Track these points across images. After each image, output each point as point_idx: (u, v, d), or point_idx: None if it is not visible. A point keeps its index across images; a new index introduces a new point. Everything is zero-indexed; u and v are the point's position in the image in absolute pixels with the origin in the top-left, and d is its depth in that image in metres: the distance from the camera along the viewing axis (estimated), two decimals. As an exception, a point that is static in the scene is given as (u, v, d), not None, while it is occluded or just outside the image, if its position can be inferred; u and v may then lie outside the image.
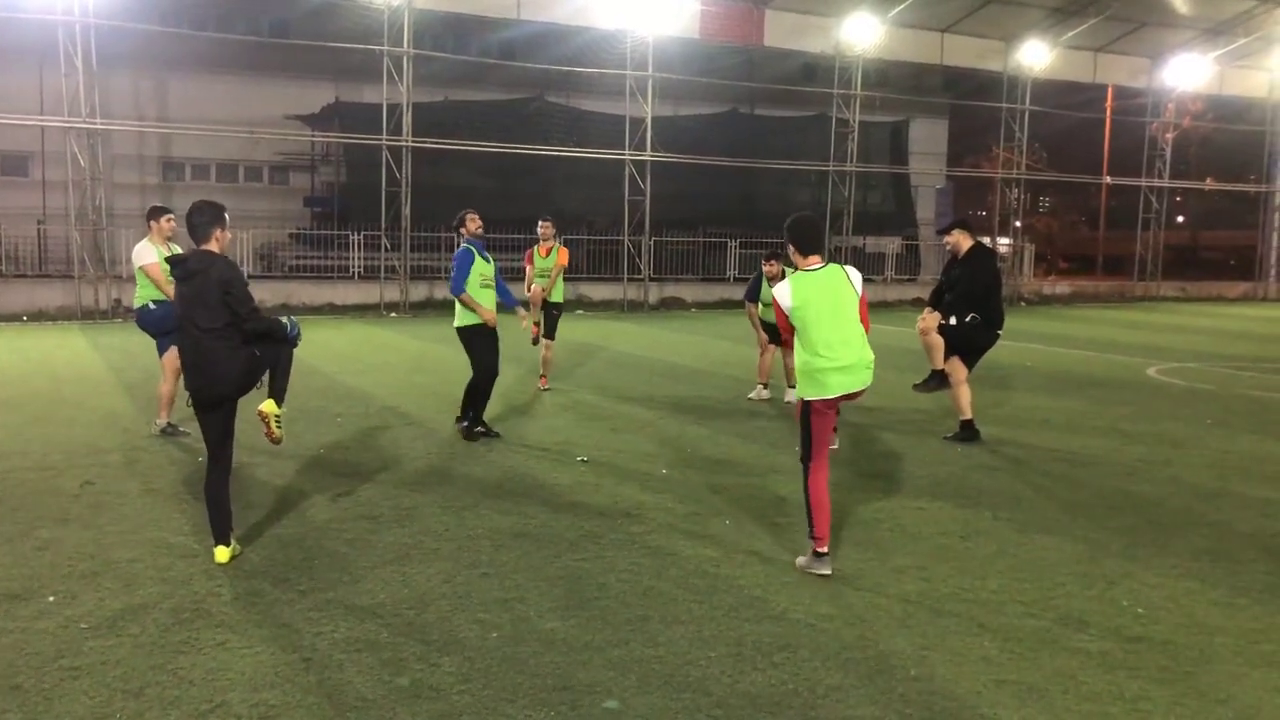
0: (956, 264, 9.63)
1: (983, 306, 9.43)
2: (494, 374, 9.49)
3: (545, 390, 12.14)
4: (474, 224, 9.57)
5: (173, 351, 9.00)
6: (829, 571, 5.78)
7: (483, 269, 9.38)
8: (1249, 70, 34.05)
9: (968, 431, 9.62)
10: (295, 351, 6.18)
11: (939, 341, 9.46)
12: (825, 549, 5.84)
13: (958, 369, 9.64)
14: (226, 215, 6.01)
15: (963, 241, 9.53)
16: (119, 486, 7.49)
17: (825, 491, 5.89)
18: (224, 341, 5.74)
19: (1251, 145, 38.61)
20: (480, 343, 9.42)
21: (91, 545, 6.13)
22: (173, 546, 6.12)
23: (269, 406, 5.98)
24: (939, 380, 9.53)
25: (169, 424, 9.17)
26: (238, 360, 5.78)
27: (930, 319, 9.46)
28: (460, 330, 9.46)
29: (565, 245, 12.64)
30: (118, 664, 4.52)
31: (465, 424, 9.43)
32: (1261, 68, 34.19)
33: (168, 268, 8.85)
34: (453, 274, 9.38)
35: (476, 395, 9.44)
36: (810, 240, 5.97)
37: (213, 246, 5.88)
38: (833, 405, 5.96)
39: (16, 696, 4.22)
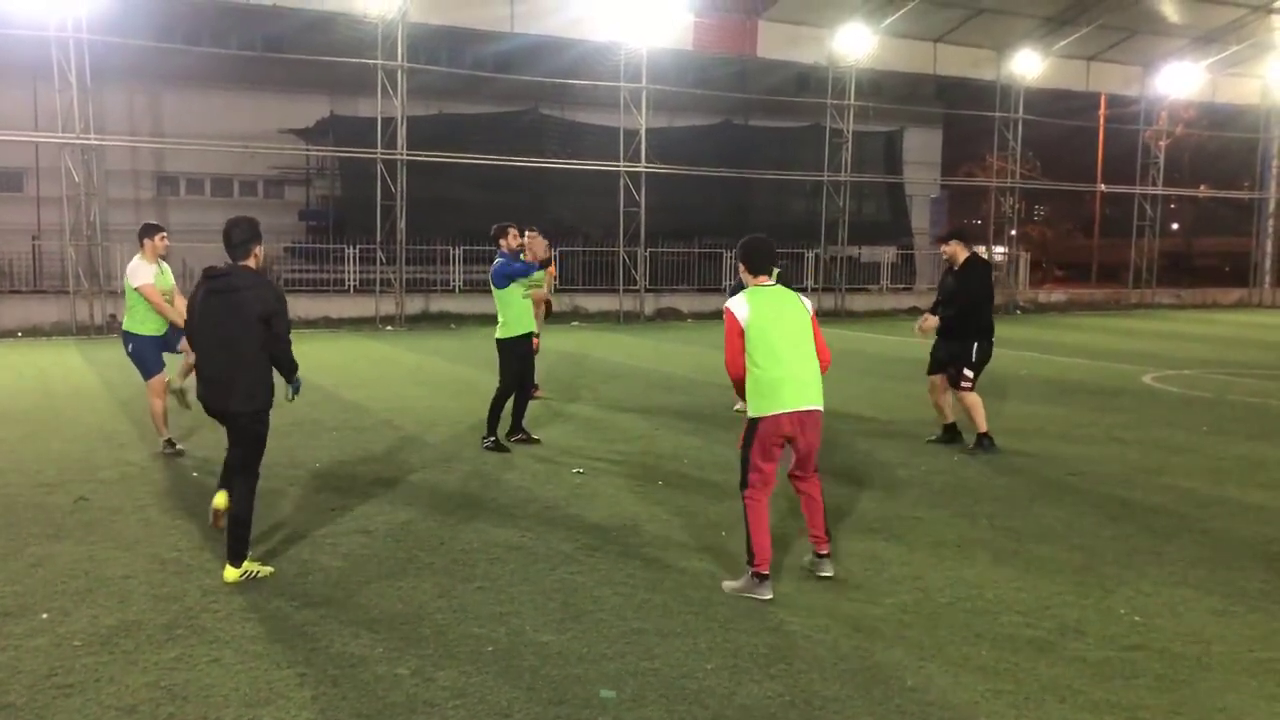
0: (950, 274, 9.72)
1: (972, 318, 9.52)
2: (511, 394, 9.62)
3: (536, 398, 12.12)
4: (514, 240, 9.74)
5: (161, 376, 9.02)
6: (770, 596, 5.58)
7: (523, 289, 9.65)
8: (1241, 78, 34.16)
9: (984, 440, 9.62)
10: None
11: (978, 401, 9.57)
12: (767, 570, 5.66)
13: (940, 382, 9.82)
14: (261, 230, 6.04)
15: (959, 253, 9.60)
16: (113, 502, 7.47)
17: (765, 507, 5.75)
18: (242, 360, 5.76)
19: (1244, 152, 38.74)
20: (518, 357, 9.58)
21: (85, 562, 6.10)
22: (167, 562, 6.10)
23: (230, 574, 5.78)
24: (989, 443, 9.56)
25: (168, 440, 9.10)
26: (252, 375, 5.79)
27: (929, 323, 9.62)
28: (501, 342, 9.59)
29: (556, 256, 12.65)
30: (110, 681, 4.50)
31: (492, 439, 9.45)
32: (1253, 75, 34.28)
33: (167, 287, 8.97)
34: (503, 274, 9.47)
35: (501, 407, 9.53)
36: (761, 261, 5.86)
37: (251, 263, 5.91)
38: (781, 434, 5.66)
39: (9, 715, 4.20)
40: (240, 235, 5.89)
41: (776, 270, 6.00)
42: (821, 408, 5.78)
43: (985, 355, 9.62)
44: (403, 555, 6.29)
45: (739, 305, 5.69)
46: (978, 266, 9.75)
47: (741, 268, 5.93)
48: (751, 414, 5.71)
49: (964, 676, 4.64)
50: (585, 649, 4.89)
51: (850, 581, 5.90)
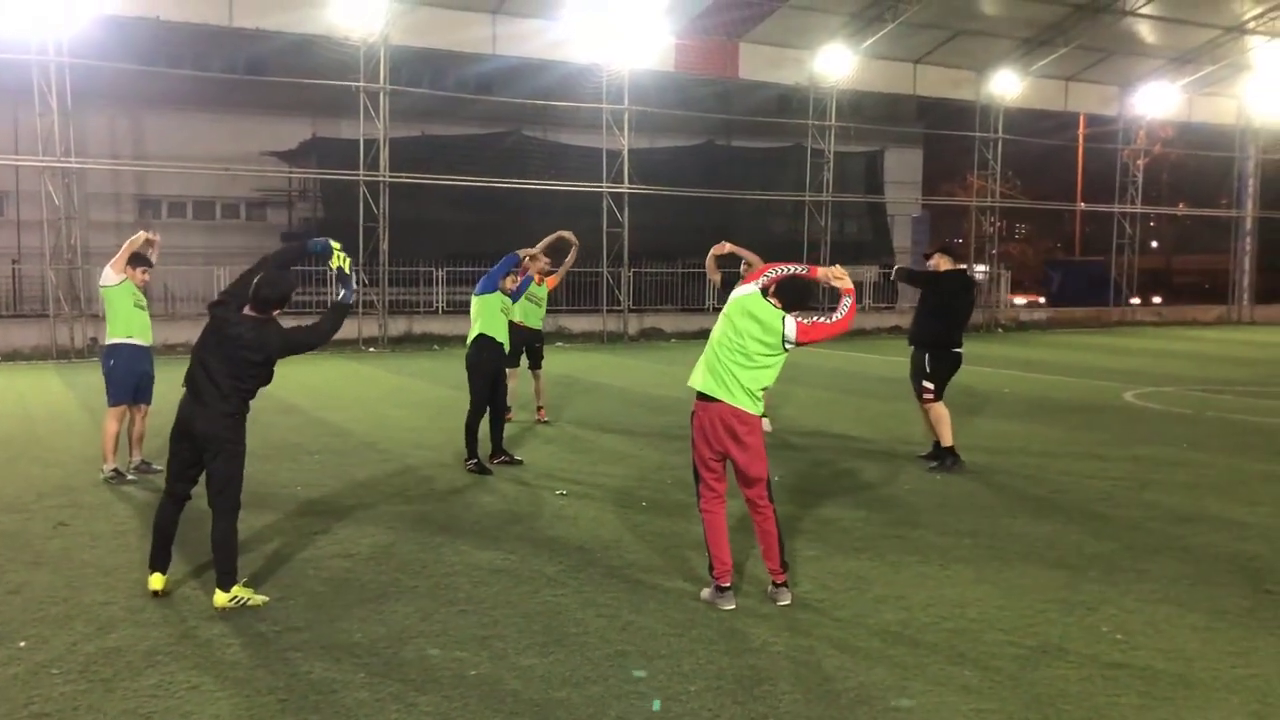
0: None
1: (943, 326, 9.70)
2: (482, 412, 9.59)
3: (544, 422, 12.14)
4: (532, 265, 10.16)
5: (123, 410, 9.00)
6: (733, 606, 5.72)
7: (503, 303, 9.86)
8: (1216, 97, 34.54)
9: (947, 456, 9.68)
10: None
11: (944, 414, 9.63)
12: (728, 582, 5.81)
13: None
14: (290, 297, 6.01)
15: (941, 264, 9.79)
16: (92, 528, 7.41)
17: (719, 519, 5.85)
18: (222, 395, 5.74)
19: (1221, 170, 39.11)
20: (480, 374, 9.56)
21: (64, 588, 6.05)
22: (147, 588, 6.03)
23: (219, 599, 5.71)
24: (954, 459, 9.62)
25: (115, 470, 8.96)
26: (227, 412, 5.77)
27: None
28: (468, 351, 9.68)
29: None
30: (89, 709, 4.45)
31: (474, 461, 9.43)
32: (1229, 95, 34.67)
33: (141, 299, 8.96)
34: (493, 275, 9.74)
35: (475, 426, 9.51)
36: (790, 298, 5.93)
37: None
38: (701, 427, 5.81)
39: (-15, 745, 4.15)
40: (270, 293, 5.80)
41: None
42: (731, 405, 5.75)
43: (943, 367, 9.68)
44: (385, 579, 6.26)
45: (738, 291, 5.90)
46: (958, 276, 9.93)
47: (774, 287, 5.95)
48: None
49: (948, 696, 4.64)
50: (569, 672, 4.87)
51: (834, 601, 5.90)
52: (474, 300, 9.73)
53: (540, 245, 11.25)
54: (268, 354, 5.81)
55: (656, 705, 4.44)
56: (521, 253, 9.88)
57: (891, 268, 32.75)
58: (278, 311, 5.91)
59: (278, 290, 5.84)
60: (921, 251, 10.74)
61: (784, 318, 5.79)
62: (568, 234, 11.42)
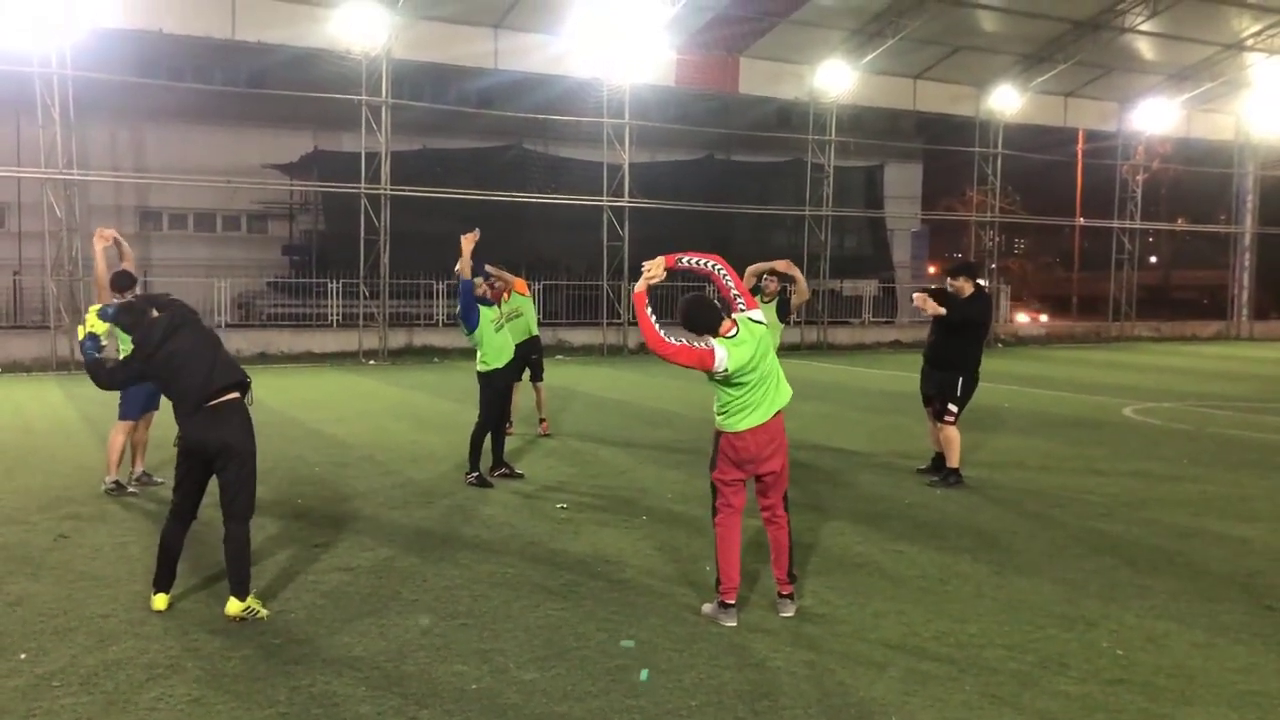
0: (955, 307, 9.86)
1: (964, 350, 9.67)
2: (491, 428, 9.69)
3: (547, 435, 12.15)
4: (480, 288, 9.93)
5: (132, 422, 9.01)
6: (734, 623, 5.71)
7: (490, 315, 9.82)
8: (1215, 113, 34.64)
9: (950, 473, 9.68)
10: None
11: (957, 436, 9.64)
12: (733, 600, 5.80)
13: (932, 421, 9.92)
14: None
15: (965, 287, 9.75)
16: (93, 540, 7.41)
17: (733, 534, 5.86)
18: (221, 392, 5.78)
19: (1220, 186, 39.21)
20: (498, 391, 9.71)
21: (64, 600, 6.05)
22: (147, 600, 6.02)
23: (233, 608, 5.72)
24: (955, 476, 9.62)
25: (115, 482, 8.95)
26: (235, 407, 5.81)
27: (930, 304, 9.63)
28: (481, 375, 9.73)
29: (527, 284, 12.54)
30: (90, 722, 4.45)
31: (475, 475, 9.46)
32: (1227, 111, 34.78)
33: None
34: (464, 314, 9.61)
35: (481, 441, 9.58)
36: (707, 321, 5.70)
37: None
38: (744, 453, 5.73)
39: (-14, 757, 4.15)
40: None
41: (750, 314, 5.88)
42: (779, 413, 5.80)
43: (971, 390, 9.69)
44: (385, 592, 6.26)
45: (721, 358, 5.55)
46: (984, 297, 9.97)
47: (694, 336, 5.70)
48: (719, 428, 5.84)
49: (948, 712, 4.64)
50: (569, 686, 4.87)
51: (834, 616, 5.90)
52: (472, 339, 9.74)
53: (497, 270, 11.04)
54: (192, 313, 5.99)
55: (645, 675, 4.46)
56: (459, 271, 9.64)
57: (890, 282, 32.95)
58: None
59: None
60: (946, 270, 10.62)
61: (749, 321, 5.74)
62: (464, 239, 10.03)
